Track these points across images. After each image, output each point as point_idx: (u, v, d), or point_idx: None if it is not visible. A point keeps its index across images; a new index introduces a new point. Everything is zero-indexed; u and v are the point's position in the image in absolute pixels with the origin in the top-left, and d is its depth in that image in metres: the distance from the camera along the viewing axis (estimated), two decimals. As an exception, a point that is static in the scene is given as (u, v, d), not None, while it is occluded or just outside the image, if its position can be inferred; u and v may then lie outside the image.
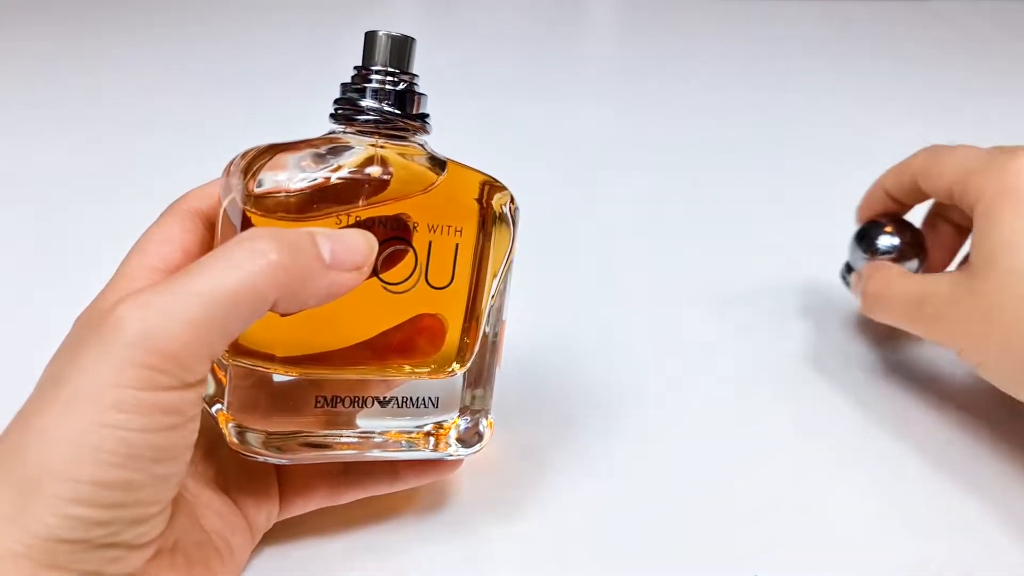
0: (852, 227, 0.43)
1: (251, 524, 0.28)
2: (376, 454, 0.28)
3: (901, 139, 0.41)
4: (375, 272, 0.26)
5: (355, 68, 0.27)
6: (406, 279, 0.27)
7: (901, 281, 0.36)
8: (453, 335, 0.28)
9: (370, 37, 0.27)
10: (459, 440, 0.29)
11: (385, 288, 0.27)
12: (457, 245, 0.27)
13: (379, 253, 0.25)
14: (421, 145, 0.28)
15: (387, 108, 0.27)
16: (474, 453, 0.29)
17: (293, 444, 0.27)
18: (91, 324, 0.22)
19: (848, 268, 0.43)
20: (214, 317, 0.21)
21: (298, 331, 0.26)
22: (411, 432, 0.28)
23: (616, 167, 0.66)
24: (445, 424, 0.29)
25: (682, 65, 0.92)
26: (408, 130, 0.27)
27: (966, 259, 0.35)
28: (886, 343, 0.44)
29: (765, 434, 0.37)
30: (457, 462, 0.31)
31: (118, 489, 0.21)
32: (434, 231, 0.27)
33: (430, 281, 0.27)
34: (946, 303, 0.33)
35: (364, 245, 0.24)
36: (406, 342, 0.28)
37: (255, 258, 0.22)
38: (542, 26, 1.08)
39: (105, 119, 0.70)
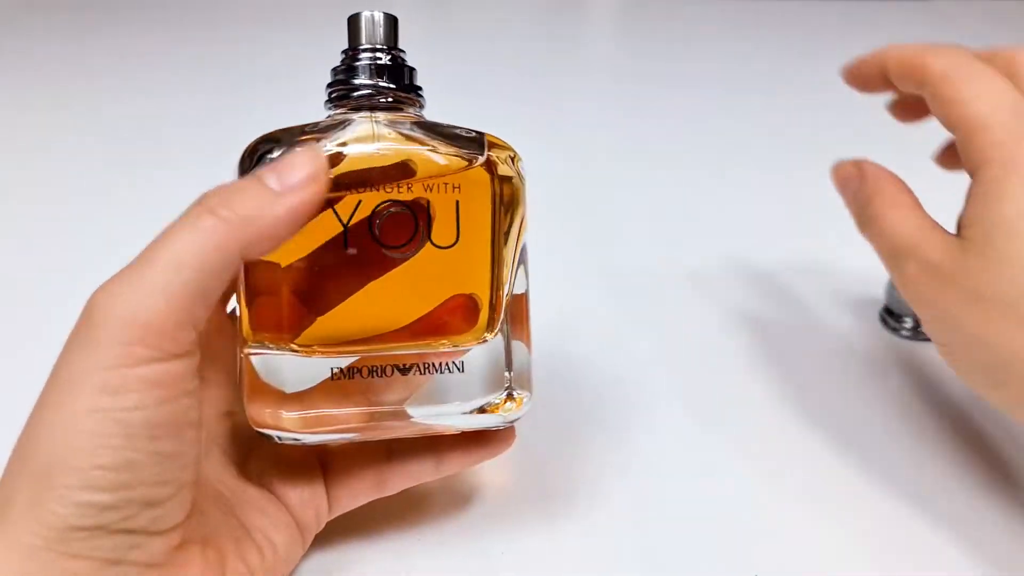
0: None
1: (298, 521, 0.28)
2: (413, 427, 0.27)
3: (902, 139, 0.41)
4: (376, 239, 0.26)
5: (343, 52, 0.28)
6: (408, 241, 0.27)
7: (898, 215, 0.30)
8: (485, 312, 0.28)
9: (353, 19, 0.28)
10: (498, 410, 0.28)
11: (388, 254, 0.26)
12: (457, 202, 0.27)
13: (374, 217, 0.26)
14: (418, 117, 0.28)
15: (381, 84, 0.27)
16: (514, 421, 0.28)
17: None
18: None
19: (888, 312, 0.45)
20: (185, 282, 0.22)
21: (322, 322, 0.26)
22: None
23: (618, 166, 0.66)
24: (490, 403, 0.28)
25: (682, 63, 0.92)
26: (403, 103, 0.28)
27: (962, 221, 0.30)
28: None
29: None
30: (503, 443, 0.30)
31: (121, 471, 0.21)
32: (429, 189, 0.27)
33: (434, 240, 0.27)
34: (930, 268, 0.29)
35: (307, 157, 0.24)
36: (439, 324, 0.27)
37: (208, 216, 0.22)
38: (542, 26, 1.08)
39: (116, 118, 0.70)
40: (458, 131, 0.28)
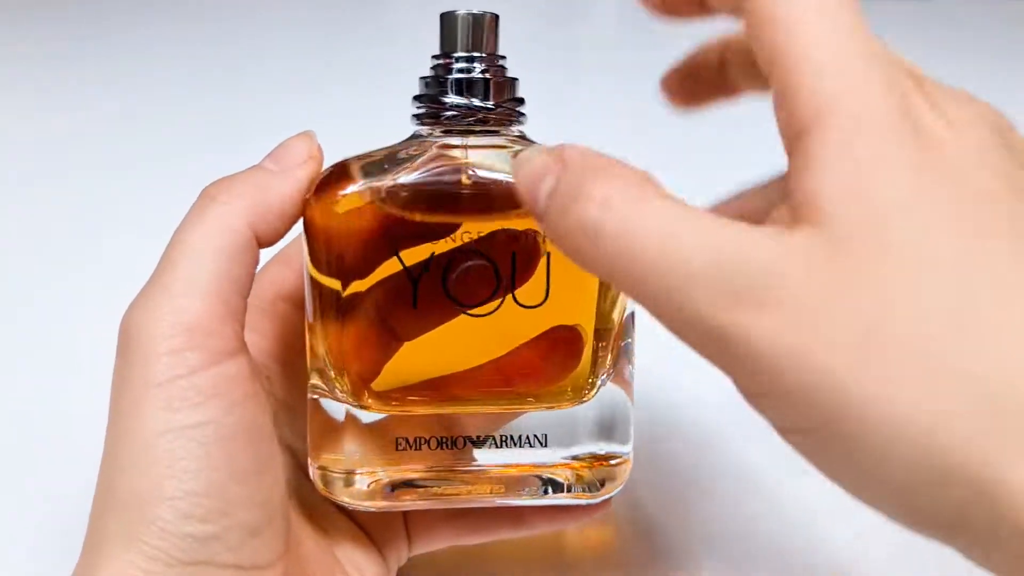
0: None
1: (385, 557, 0.27)
2: (482, 502, 0.24)
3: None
4: (448, 294, 0.23)
5: (433, 57, 0.24)
6: (487, 299, 0.23)
7: (653, 211, 0.17)
8: (588, 352, 0.24)
9: (447, 19, 0.24)
10: (585, 483, 0.24)
11: (467, 314, 0.23)
12: (549, 254, 0.23)
13: (450, 271, 0.23)
14: (520, 135, 0.25)
15: (475, 102, 0.23)
16: (607, 499, 0.25)
17: (379, 487, 0.24)
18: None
19: None
20: (210, 272, 0.21)
21: (397, 362, 0.24)
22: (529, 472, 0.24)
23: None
24: (573, 462, 0.24)
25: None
26: (501, 123, 0.24)
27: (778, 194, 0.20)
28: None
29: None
30: (593, 511, 0.27)
31: (211, 495, 0.20)
32: (515, 240, 0.23)
33: (518, 299, 0.23)
34: (776, 281, 0.16)
35: (299, 140, 0.24)
36: (534, 364, 0.24)
37: (211, 203, 0.22)
38: (541, 28, 1.08)
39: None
40: None
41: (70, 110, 0.72)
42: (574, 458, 0.24)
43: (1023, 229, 0.17)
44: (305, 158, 0.23)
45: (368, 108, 0.75)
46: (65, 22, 0.98)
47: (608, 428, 0.24)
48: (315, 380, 0.24)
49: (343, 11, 1.05)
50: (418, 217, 0.22)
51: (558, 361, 0.24)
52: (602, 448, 0.24)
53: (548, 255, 0.23)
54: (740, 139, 0.72)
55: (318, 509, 0.26)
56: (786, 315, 0.16)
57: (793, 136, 0.18)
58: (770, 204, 0.19)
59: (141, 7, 1.04)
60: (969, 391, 0.15)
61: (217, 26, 1.00)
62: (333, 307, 0.23)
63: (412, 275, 0.23)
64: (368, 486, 0.24)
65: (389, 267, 0.23)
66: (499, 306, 0.23)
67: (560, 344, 0.24)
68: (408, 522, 0.28)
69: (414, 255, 0.23)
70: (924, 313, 0.15)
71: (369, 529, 0.27)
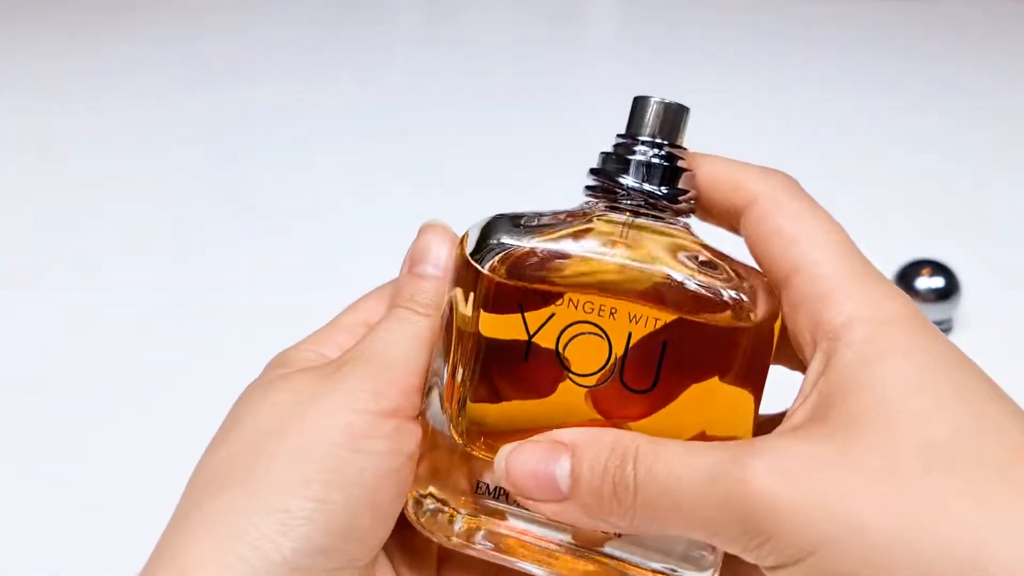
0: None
1: None
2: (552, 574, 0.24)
3: (903, 139, 0.41)
4: (559, 357, 0.23)
5: (618, 136, 0.24)
6: (597, 371, 0.23)
7: (682, 460, 0.20)
8: None
9: (640, 103, 0.24)
10: None
11: (572, 379, 0.23)
12: (665, 343, 0.22)
13: (561, 337, 0.23)
14: (685, 227, 0.24)
15: (647, 187, 0.23)
16: None
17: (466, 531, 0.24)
18: (316, 377, 0.23)
19: None
20: (409, 346, 0.23)
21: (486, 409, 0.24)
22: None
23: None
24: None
25: (681, 62, 0.92)
26: (668, 211, 0.24)
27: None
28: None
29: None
30: None
31: (343, 516, 0.21)
32: (635, 320, 0.22)
33: (626, 381, 0.23)
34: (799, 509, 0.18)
35: (431, 240, 0.24)
36: None
37: (406, 312, 0.24)
38: (541, 28, 1.08)
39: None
40: (725, 262, 0.23)
41: (71, 109, 0.72)
42: (658, 571, 0.23)
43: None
44: (438, 266, 0.24)
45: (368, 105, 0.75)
46: (65, 23, 0.98)
47: (699, 550, 0.23)
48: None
49: (343, 11, 1.05)
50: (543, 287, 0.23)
51: None
52: (689, 571, 0.23)
53: (664, 344, 0.22)
54: (740, 138, 0.72)
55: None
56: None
57: (821, 338, 0.21)
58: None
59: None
60: None
61: (217, 27, 1.00)
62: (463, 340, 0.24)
63: (529, 331, 0.23)
64: (463, 527, 0.24)
65: (514, 320, 0.24)
66: (606, 380, 0.23)
67: None
68: (440, 558, 0.27)
69: (537, 316, 0.23)
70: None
71: (393, 556, 0.26)
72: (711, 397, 0.22)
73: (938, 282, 0.43)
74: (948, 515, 0.17)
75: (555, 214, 0.24)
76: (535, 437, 0.22)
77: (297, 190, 0.62)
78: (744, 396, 0.22)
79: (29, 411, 0.39)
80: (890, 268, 0.44)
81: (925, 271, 0.42)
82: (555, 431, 0.22)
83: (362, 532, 0.22)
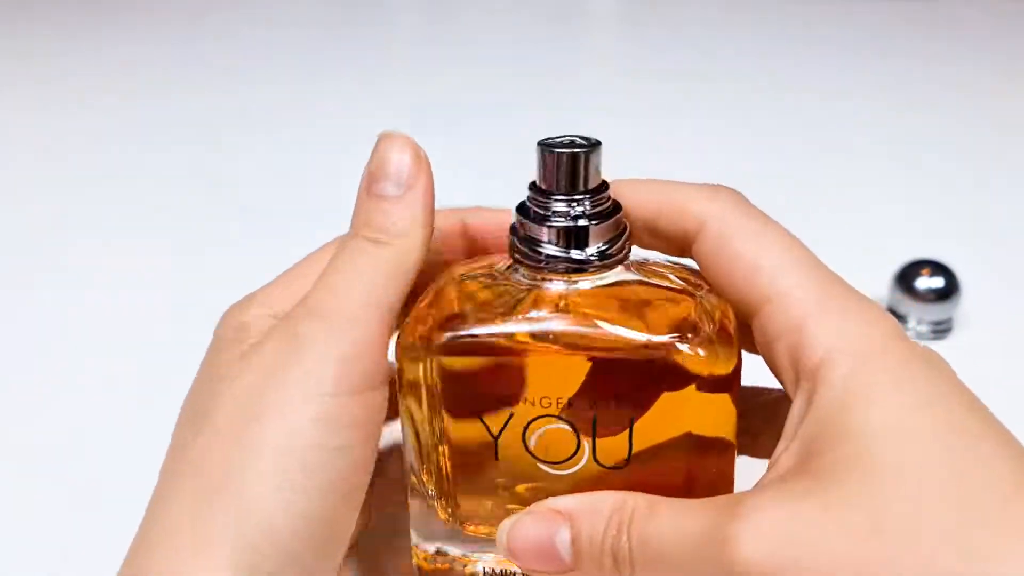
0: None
1: None
2: None
3: (903, 139, 0.41)
4: (528, 451, 0.22)
5: (530, 188, 0.22)
6: (568, 459, 0.22)
7: (675, 517, 0.19)
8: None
9: (546, 155, 0.22)
10: None
11: (544, 468, 0.22)
12: (632, 420, 0.21)
13: (525, 432, 0.22)
14: (625, 268, 0.23)
15: (575, 254, 0.21)
16: None
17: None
18: (276, 337, 0.21)
19: (891, 312, 0.42)
20: (367, 289, 0.21)
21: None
22: None
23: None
24: None
25: (681, 62, 0.92)
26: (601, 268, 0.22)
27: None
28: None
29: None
30: None
31: (320, 521, 0.20)
32: (597, 405, 0.21)
33: (599, 459, 0.22)
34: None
35: (389, 152, 0.22)
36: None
37: (358, 240, 0.22)
38: (541, 28, 1.08)
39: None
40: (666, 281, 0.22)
41: (70, 109, 0.72)
42: None
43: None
44: (409, 182, 0.22)
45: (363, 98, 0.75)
46: (65, 23, 0.98)
47: None
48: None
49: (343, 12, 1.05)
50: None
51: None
52: None
53: (631, 420, 0.22)
54: (740, 138, 0.72)
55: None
56: None
57: (792, 371, 0.20)
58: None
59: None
60: None
61: (217, 25, 1.00)
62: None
63: (492, 434, 0.22)
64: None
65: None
66: (581, 465, 0.22)
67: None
68: None
69: (496, 418, 0.22)
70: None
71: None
72: (686, 402, 0.21)
73: (938, 282, 0.42)
74: None
75: (497, 297, 0.22)
76: (532, 506, 0.21)
77: (297, 190, 0.62)
78: (721, 399, 0.21)
79: (29, 411, 0.39)
80: (890, 268, 0.44)
81: (925, 271, 0.42)
82: (550, 500, 0.21)
83: (342, 532, 0.21)
